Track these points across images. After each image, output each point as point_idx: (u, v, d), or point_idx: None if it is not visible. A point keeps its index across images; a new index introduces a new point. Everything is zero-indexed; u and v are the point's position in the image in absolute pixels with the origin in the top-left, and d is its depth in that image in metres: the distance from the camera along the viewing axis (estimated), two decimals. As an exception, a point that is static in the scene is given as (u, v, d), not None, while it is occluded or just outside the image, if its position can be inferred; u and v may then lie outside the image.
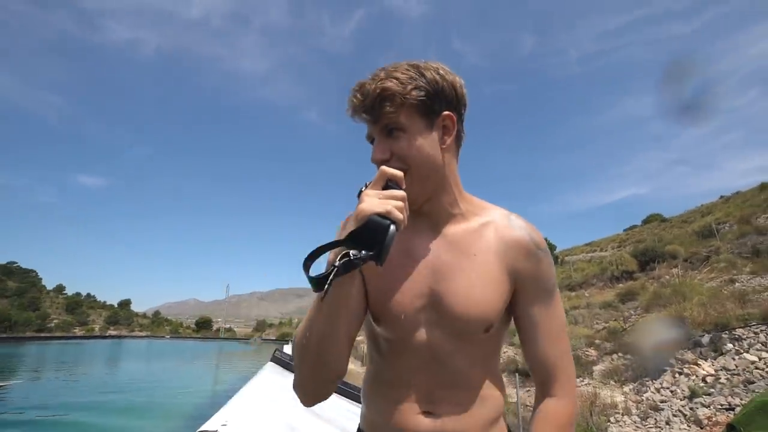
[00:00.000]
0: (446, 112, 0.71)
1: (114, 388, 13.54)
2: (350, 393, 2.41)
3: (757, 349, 7.01)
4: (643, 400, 7.06)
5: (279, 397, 1.82)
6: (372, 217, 0.57)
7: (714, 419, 5.92)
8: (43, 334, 50.41)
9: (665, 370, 7.51)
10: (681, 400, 6.67)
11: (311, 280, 0.57)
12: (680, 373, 7.26)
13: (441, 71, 0.70)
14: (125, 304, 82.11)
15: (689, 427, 6.04)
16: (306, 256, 0.58)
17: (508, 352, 11.09)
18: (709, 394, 6.45)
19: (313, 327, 0.64)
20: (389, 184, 0.63)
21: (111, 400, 10.76)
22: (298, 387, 0.70)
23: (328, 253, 0.64)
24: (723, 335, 7.64)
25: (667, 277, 14.13)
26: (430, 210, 0.75)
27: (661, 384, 7.27)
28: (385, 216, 0.57)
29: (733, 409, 5.84)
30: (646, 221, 37.51)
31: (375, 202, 0.58)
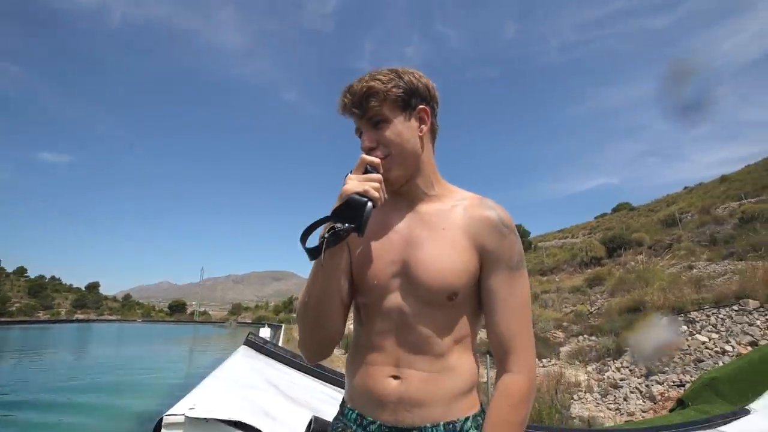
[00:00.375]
0: (421, 106, 0.84)
1: (80, 373, 13.17)
2: (325, 376, 2.43)
3: (708, 331, 7.53)
4: (604, 379, 7.49)
5: (252, 381, 1.80)
6: (352, 195, 0.70)
7: (666, 395, 6.37)
8: (2, 319, 48.13)
9: (626, 351, 7.98)
10: (638, 378, 7.13)
11: (308, 250, 0.70)
12: (653, 361, 7.73)
13: (416, 75, 0.84)
14: (93, 286, 79.16)
15: (644, 402, 6.47)
16: (302, 231, 0.71)
17: (481, 334, 11.47)
18: (664, 372, 6.91)
19: (311, 292, 0.77)
20: (368, 169, 0.76)
21: (77, 386, 10.47)
22: (302, 347, 0.83)
23: (319, 229, 0.76)
24: (679, 318, 8.16)
25: (633, 263, 14.86)
26: (408, 190, 0.87)
27: (621, 363, 7.72)
28: (363, 194, 0.70)
29: (683, 386, 6.30)
30: (615, 210, 39.07)
31: (355, 183, 0.72)
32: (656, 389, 6.61)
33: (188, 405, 1.30)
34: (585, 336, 9.63)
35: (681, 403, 4.42)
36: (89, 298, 72.34)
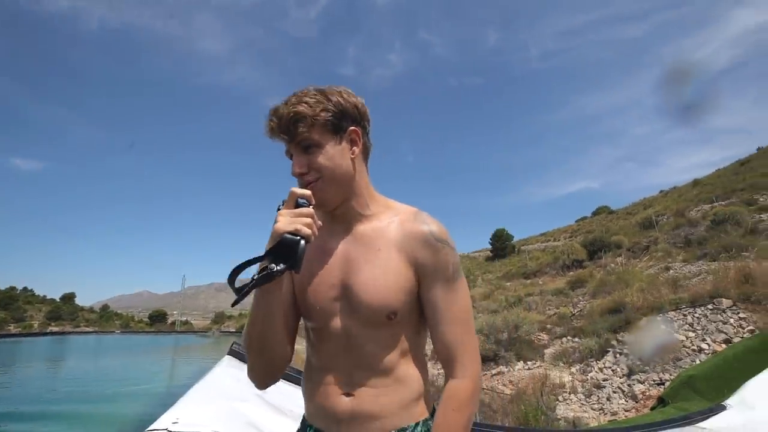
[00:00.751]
0: (352, 128, 0.84)
1: (55, 388, 12.61)
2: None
3: (685, 330, 7.77)
4: (588, 379, 7.63)
5: (236, 392, 1.77)
6: (284, 235, 0.69)
7: (647, 393, 6.53)
8: (-30, 333, 45.68)
9: (608, 351, 8.15)
10: (620, 378, 7.28)
11: (235, 290, 0.69)
12: (620, 354, 7.90)
13: (344, 94, 0.83)
14: (69, 297, 76.14)
15: (626, 401, 6.61)
16: (231, 270, 0.70)
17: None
18: (645, 372, 7.08)
19: (254, 326, 0.78)
20: (300, 201, 0.74)
21: (52, 402, 10.01)
22: (250, 375, 0.83)
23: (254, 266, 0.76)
24: (658, 318, 8.39)
25: (613, 265, 15.23)
26: (344, 212, 0.87)
27: (603, 364, 7.88)
28: (296, 233, 0.69)
29: (663, 384, 6.47)
30: (595, 213, 40.07)
31: (286, 221, 0.71)
32: (638, 388, 6.77)
33: (171, 419, 1.26)
34: (568, 338, 9.79)
35: (661, 401, 4.53)
36: (64, 310, 69.50)
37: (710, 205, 18.38)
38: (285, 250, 0.69)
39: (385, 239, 0.84)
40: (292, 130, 0.79)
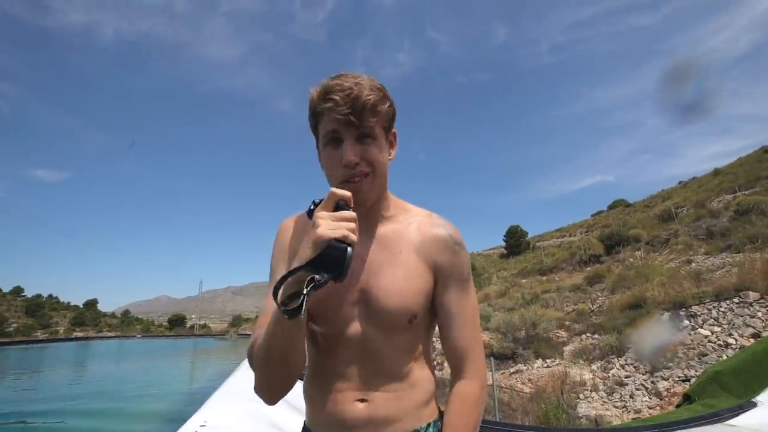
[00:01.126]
0: (394, 130, 0.85)
1: (83, 392, 13.00)
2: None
3: (710, 324, 7.55)
4: (609, 377, 7.48)
5: (259, 394, 1.79)
6: (331, 242, 0.62)
7: (672, 390, 6.37)
8: (0, 339, 47.48)
9: (629, 348, 7.98)
10: (643, 374, 7.12)
11: (286, 311, 0.62)
12: (655, 362, 7.72)
13: (389, 94, 0.81)
14: (91, 304, 78.45)
15: (650, 399, 6.46)
16: (274, 286, 0.63)
17: (483, 337, 11.44)
18: (668, 368, 6.91)
19: (276, 341, 0.69)
20: (339, 203, 0.68)
21: (80, 405, 10.33)
22: (261, 391, 0.76)
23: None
24: (680, 313, 8.17)
25: (631, 259, 14.91)
26: (368, 213, 0.84)
27: (625, 361, 7.72)
28: (342, 240, 0.63)
29: (688, 380, 6.30)
30: (611, 207, 39.27)
31: (330, 225, 0.64)
32: (662, 385, 6.61)
33: (199, 422, 1.30)
34: (588, 334, 9.62)
35: (687, 398, 4.42)
36: (87, 316, 71.62)
37: (733, 195, 17.83)
38: (331, 259, 0.62)
39: (406, 242, 0.84)
40: (364, 117, 0.74)
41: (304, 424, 0.88)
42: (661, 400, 6.32)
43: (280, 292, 0.63)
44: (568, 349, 9.37)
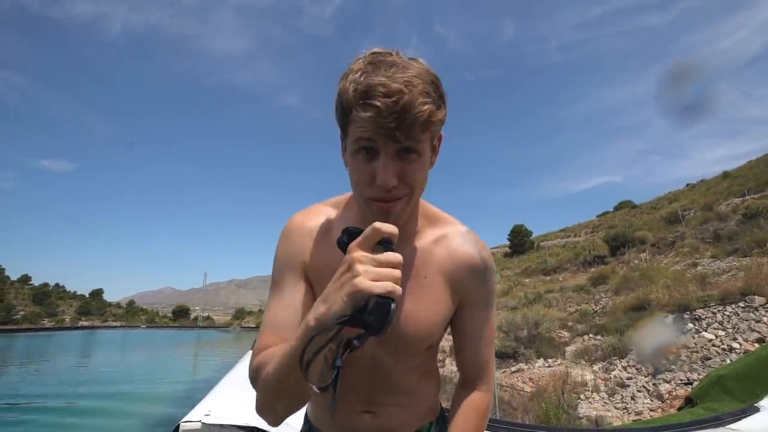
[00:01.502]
0: (440, 133, 0.66)
1: (88, 380, 13.20)
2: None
3: (714, 328, 7.50)
4: (611, 378, 7.46)
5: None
6: (376, 299, 0.50)
7: (674, 393, 6.35)
8: (8, 327, 48.27)
9: (632, 349, 7.95)
10: (645, 376, 7.10)
11: (319, 388, 0.51)
12: (655, 362, 7.68)
13: (442, 84, 0.62)
14: (97, 293, 79.45)
15: (652, 401, 6.44)
16: (300, 351, 0.51)
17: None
18: (671, 371, 6.88)
19: (288, 388, 0.59)
20: (384, 240, 0.53)
21: (86, 392, 10.50)
22: (265, 414, 0.64)
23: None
24: (685, 316, 8.12)
25: (636, 261, 14.81)
26: None
27: (627, 362, 7.69)
28: (387, 296, 0.49)
29: (691, 384, 6.27)
30: (617, 208, 39.00)
31: (372, 275, 0.50)
32: (664, 388, 6.58)
33: (204, 411, 1.32)
34: (590, 335, 9.60)
35: (689, 401, 4.40)
36: (93, 305, 72.55)
37: (741, 199, 17.63)
38: (372, 318, 0.50)
39: (433, 266, 0.75)
40: (412, 132, 0.58)
41: (306, 415, 0.87)
42: (662, 402, 6.30)
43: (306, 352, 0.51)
44: (570, 349, 9.35)
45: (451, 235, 0.77)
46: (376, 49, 0.62)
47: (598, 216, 39.61)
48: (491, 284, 0.81)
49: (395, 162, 0.60)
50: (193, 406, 1.48)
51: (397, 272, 0.51)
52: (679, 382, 6.58)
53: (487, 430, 0.83)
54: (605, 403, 6.79)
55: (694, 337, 7.47)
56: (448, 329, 0.84)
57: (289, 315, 0.70)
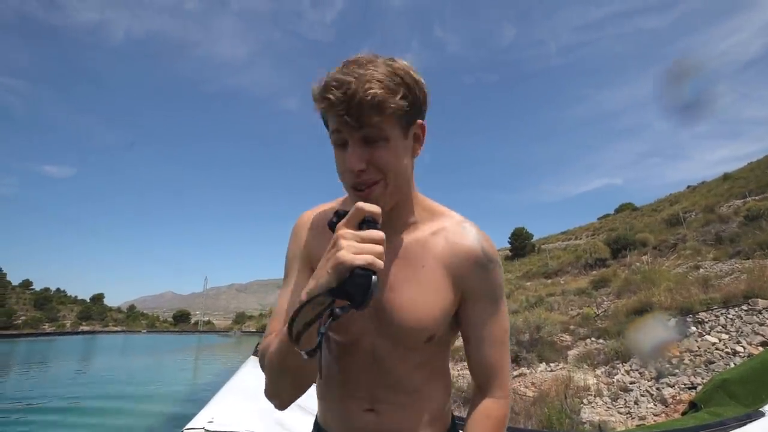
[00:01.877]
0: (420, 121, 0.70)
1: (89, 384, 13.17)
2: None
3: (718, 332, 7.46)
4: (613, 382, 7.42)
5: (263, 392, 1.81)
6: (357, 271, 0.54)
7: (678, 398, 6.31)
8: (9, 332, 48.22)
9: (635, 353, 7.90)
10: (648, 381, 7.06)
11: (292, 338, 0.57)
12: (652, 361, 7.65)
13: (415, 75, 0.67)
14: (98, 298, 79.36)
15: (655, 405, 6.40)
16: (289, 320, 0.57)
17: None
18: (674, 375, 6.84)
19: (287, 364, 0.66)
20: (366, 219, 0.59)
21: (86, 397, 10.46)
22: (272, 398, 0.72)
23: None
24: (687, 319, 8.09)
25: (638, 264, 14.77)
26: (388, 219, 0.72)
27: (630, 366, 7.65)
28: (368, 268, 0.54)
29: (695, 388, 6.23)
30: (618, 210, 38.95)
31: (354, 249, 0.55)
32: (667, 392, 6.54)
33: (207, 418, 1.32)
34: (592, 339, 9.56)
35: (693, 405, 4.37)
36: (94, 310, 72.45)
37: (743, 200, 17.60)
38: (354, 289, 0.55)
39: (431, 255, 0.75)
40: (363, 116, 0.61)
41: (316, 419, 0.87)
42: (666, 407, 6.26)
43: (296, 322, 0.57)
44: (572, 353, 9.31)
45: (451, 227, 0.77)
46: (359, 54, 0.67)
47: (599, 218, 39.56)
48: (495, 277, 0.76)
49: (363, 149, 0.64)
50: (194, 412, 1.47)
51: (379, 248, 0.56)
52: (683, 386, 6.54)
53: None
54: (608, 407, 6.75)
55: (697, 341, 7.43)
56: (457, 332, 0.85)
57: (294, 302, 0.74)
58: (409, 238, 0.76)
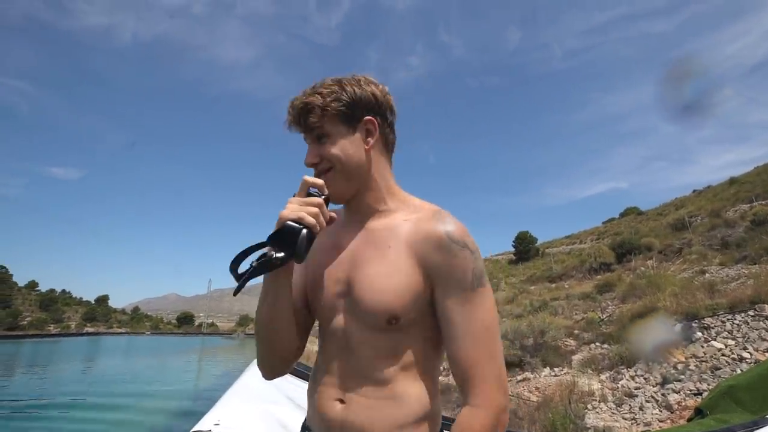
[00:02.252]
0: (367, 117, 0.80)
1: (93, 386, 13.22)
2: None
3: (724, 337, 7.39)
4: (618, 388, 7.36)
5: (270, 396, 1.82)
6: (287, 222, 0.67)
7: (683, 404, 6.24)
8: (15, 333, 48.56)
9: (640, 359, 7.84)
10: (653, 386, 6.99)
11: (235, 278, 0.67)
12: (653, 361, 7.59)
13: (362, 83, 0.80)
14: (102, 300, 79.83)
15: (660, 411, 6.34)
16: (234, 257, 0.68)
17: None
18: (680, 381, 6.78)
19: (260, 315, 0.77)
20: (311, 191, 0.73)
21: (90, 400, 10.51)
22: (259, 364, 0.82)
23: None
24: (693, 324, 8.02)
25: (643, 268, 14.67)
26: (357, 206, 0.84)
27: (635, 372, 7.59)
28: (298, 221, 0.68)
29: (700, 394, 6.17)
30: (623, 214, 38.70)
31: (292, 208, 0.69)
32: (673, 398, 6.48)
33: (213, 420, 1.33)
34: (597, 344, 9.49)
35: (699, 412, 4.33)
36: (99, 312, 72.90)
37: (749, 205, 17.45)
38: (287, 238, 0.66)
39: (397, 237, 0.77)
40: (304, 120, 0.78)
41: (305, 420, 0.86)
42: (671, 413, 6.20)
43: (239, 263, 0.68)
44: (576, 358, 9.25)
45: (423, 215, 0.80)
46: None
47: (603, 222, 39.32)
48: (463, 261, 0.72)
49: (316, 147, 0.79)
50: (199, 415, 1.49)
51: (313, 209, 0.70)
52: (689, 392, 6.47)
53: None
54: (613, 413, 6.69)
55: (703, 347, 7.36)
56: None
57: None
58: (378, 223, 0.82)
